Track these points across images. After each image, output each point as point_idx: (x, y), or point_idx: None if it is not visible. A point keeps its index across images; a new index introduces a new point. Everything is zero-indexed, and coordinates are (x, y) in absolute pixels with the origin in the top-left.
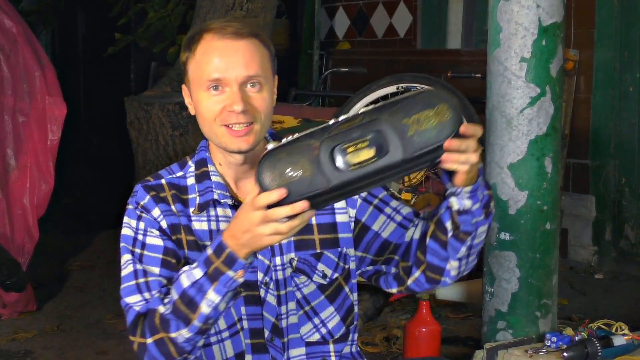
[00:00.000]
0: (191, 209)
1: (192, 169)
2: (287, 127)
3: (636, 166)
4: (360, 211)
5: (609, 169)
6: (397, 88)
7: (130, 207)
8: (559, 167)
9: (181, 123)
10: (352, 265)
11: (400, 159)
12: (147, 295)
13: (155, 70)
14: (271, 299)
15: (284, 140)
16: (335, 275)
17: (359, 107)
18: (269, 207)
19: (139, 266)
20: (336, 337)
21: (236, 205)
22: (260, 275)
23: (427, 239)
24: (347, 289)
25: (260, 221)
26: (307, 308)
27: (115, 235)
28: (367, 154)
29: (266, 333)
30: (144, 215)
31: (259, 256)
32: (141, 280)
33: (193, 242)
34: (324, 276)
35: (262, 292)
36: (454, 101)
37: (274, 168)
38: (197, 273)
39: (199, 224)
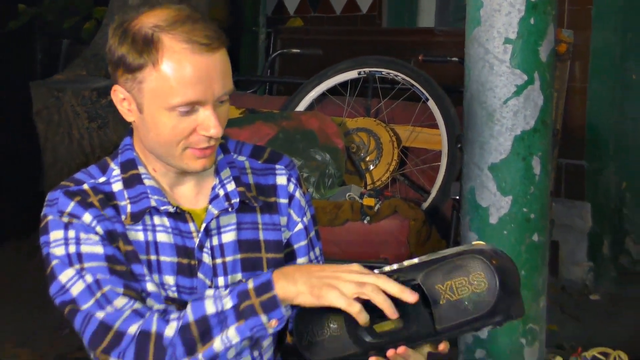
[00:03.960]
0: (123, 217)
1: (117, 172)
2: (228, 119)
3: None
4: (296, 237)
5: (607, 171)
6: (359, 73)
7: (50, 218)
8: (548, 168)
9: (99, 113)
10: None
11: (429, 333)
12: (109, 308)
13: (67, 50)
14: None
15: None
16: None
17: (314, 95)
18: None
19: (89, 279)
20: None
21: (177, 212)
22: None
23: None
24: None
25: (357, 270)
26: None
27: (14, 250)
28: (394, 326)
29: None
30: (73, 221)
31: (200, 275)
32: (99, 294)
33: (132, 252)
34: None
35: None
36: (492, 269)
37: (307, 323)
38: (227, 303)
39: (135, 234)
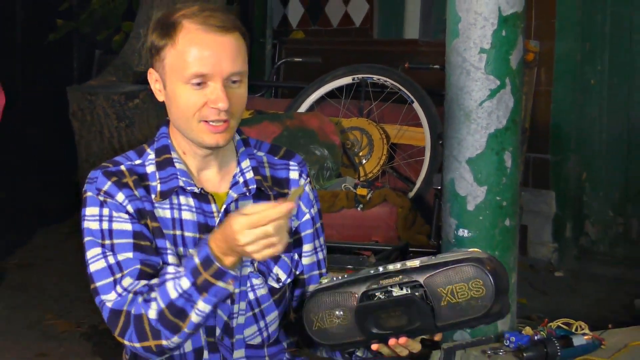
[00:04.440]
0: (152, 196)
1: (152, 156)
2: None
3: (597, 161)
4: (304, 226)
5: (569, 164)
6: (353, 79)
7: (88, 194)
8: (518, 162)
9: (127, 114)
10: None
11: (430, 329)
12: (119, 289)
13: (100, 59)
14: None
15: (334, 279)
16: (288, 280)
17: (314, 98)
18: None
19: (111, 259)
20: (271, 340)
21: (202, 194)
22: None
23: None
24: (288, 294)
25: (243, 227)
26: (256, 310)
27: (54, 232)
28: (399, 321)
29: (217, 331)
30: (108, 200)
31: None
32: (118, 275)
33: (157, 229)
34: (278, 280)
35: None
36: (489, 277)
37: (318, 309)
38: (185, 283)
39: (162, 211)
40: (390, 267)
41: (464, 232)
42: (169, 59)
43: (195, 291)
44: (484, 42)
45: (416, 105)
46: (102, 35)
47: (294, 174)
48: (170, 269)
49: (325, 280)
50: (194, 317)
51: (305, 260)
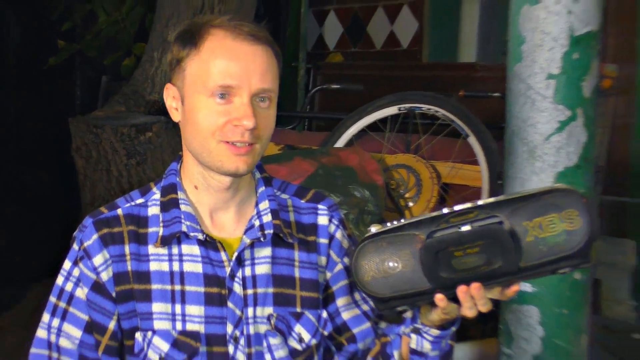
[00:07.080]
0: (150, 245)
1: (157, 196)
2: (266, 155)
3: None
4: (336, 278)
5: None
6: (399, 109)
7: (73, 245)
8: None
9: (138, 150)
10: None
11: (512, 270)
12: None
13: (107, 86)
14: (241, 358)
15: (388, 225)
16: (313, 341)
17: (353, 131)
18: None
19: (53, 337)
20: None
21: (207, 241)
22: (229, 328)
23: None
24: (316, 359)
25: None
26: None
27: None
28: (476, 261)
29: None
30: (81, 262)
31: (230, 304)
32: (54, 355)
33: (143, 292)
34: (300, 340)
35: (230, 348)
36: (586, 207)
37: (372, 256)
38: None
39: (158, 264)
40: (466, 206)
41: (526, 287)
42: (190, 69)
43: None
44: (552, 66)
45: (472, 140)
46: (109, 59)
47: (322, 219)
48: None
49: (375, 229)
50: None
51: (345, 315)
